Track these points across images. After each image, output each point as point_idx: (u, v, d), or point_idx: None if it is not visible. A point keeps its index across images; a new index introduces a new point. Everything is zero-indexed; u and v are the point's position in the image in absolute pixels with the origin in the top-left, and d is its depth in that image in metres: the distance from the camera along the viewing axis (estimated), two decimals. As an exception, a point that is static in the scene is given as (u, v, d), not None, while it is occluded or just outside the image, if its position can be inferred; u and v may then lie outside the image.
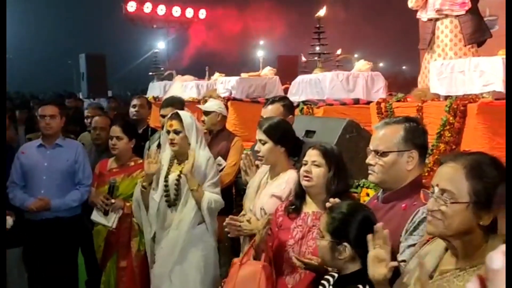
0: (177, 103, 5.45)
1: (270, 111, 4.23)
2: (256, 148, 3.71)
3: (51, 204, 4.89)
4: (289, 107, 4.33)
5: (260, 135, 3.67)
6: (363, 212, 2.59)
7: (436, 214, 1.89)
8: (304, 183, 3.18)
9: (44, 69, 23.83)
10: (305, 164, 3.18)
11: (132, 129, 5.15)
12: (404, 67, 29.45)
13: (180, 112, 4.37)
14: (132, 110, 6.33)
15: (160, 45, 18.61)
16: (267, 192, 3.66)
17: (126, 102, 11.97)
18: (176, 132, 4.24)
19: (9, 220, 4.66)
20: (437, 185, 1.91)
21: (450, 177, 1.88)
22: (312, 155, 3.17)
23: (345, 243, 2.49)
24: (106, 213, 4.78)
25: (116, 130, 4.93)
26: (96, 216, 4.84)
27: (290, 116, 4.25)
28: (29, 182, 5.00)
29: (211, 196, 4.17)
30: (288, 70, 11.49)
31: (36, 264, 5.09)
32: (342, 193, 3.07)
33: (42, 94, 20.98)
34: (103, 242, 4.87)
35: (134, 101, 6.43)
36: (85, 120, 6.30)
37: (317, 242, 2.65)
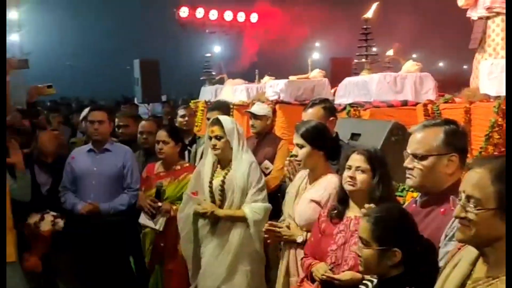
0: (224, 107, 5.50)
1: (311, 114, 4.20)
2: (293, 152, 3.69)
3: (100, 208, 5.01)
4: (330, 109, 4.26)
5: (297, 139, 3.65)
6: (403, 213, 2.56)
7: (464, 221, 1.83)
8: (348, 187, 3.14)
9: (102, 75, 24.46)
10: (349, 169, 3.14)
11: (178, 134, 5.22)
12: (465, 67, 28.58)
13: (221, 117, 4.42)
14: (180, 119, 6.42)
15: (215, 49, 18.78)
16: (306, 197, 3.64)
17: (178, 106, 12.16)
18: (218, 138, 4.29)
19: (60, 223, 4.81)
20: (464, 192, 1.85)
21: (476, 183, 1.82)
22: (356, 160, 3.12)
23: (395, 248, 2.44)
24: (153, 216, 4.86)
25: (162, 135, 5.01)
26: (143, 219, 4.92)
27: (332, 118, 4.19)
28: (79, 187, 5.14)
29: (253, 207, 4.18)
30: (341, 72, 11.34)
31: (88, 267, 5.22)
32: (386, 197, 3.03)
33: (103, 100, 21.55)
34: (151, 245, 4.96)
35: (181, 111, 6.53)
36: (116, 130, 6.13)
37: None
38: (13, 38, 18.92)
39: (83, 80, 24.78)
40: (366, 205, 2.78)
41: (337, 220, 3.21)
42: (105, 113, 5.23)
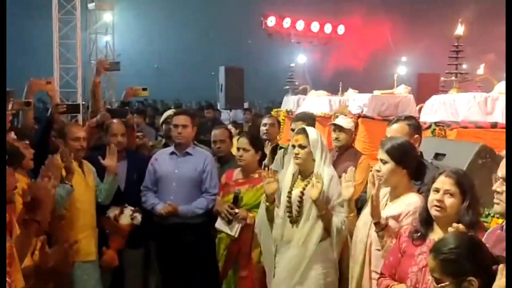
0: (308, 118, 5.47)
1: (395, 130, 4.11)
2: (376, 167, 3.61)
3: (179, 210, 5.11)
4: (415, 126, 4.16)
5: (381, 154, 3.58)
6: (466, 238, 2.47)
7: None
8: (434, 213, 3.03)
9: (187, 79, 25.01)
10: (437, 192, 3.03)
11: (259, 142, 5.24)
12: None
13: (307, 127, 4.40)
14: (263, 128, 6.45)
15: (300, 59, 18.84)
16: (384, 214, 3.56)
17: (260, 114, 12.24)
18: (301, 147, 4.27)
19: (138, 217, 4.96)
20: None
21: None
22: (445, 183, 3.01)
23: (471, 277, 2.35)
24: (229, 222, 4.90)
25: (243, 142, 5.03)
26: (220, 224, 4.97)
27: (416, 136, 4.09)
28: (160, 188, 5.28)
29: (340, 218, 4.12)
30: (428, 88, 11.07)
31: (166, 266, 5.35)
32: (476, 223, 2.91)
33: (188, 104, 22.05)
34: (225, 251, 4.99)
35: (265, 120, 6.57)
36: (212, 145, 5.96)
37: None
38: (106, 40, 19.71)
39: (169, 83, 25.42)
40: (454, 225, 2.68)
41: (419, 242, 3.11)
42: (188, 118, 5.33)
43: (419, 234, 3.12)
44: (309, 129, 4.37)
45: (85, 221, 4.83)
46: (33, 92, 5.38)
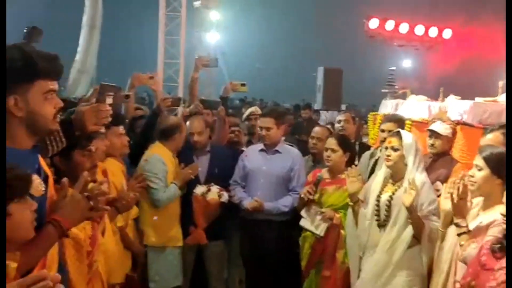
0: (399, 120, 5.37)
1: (489, 140, 4.00)
2: (470, 173, 3.49)
3: (265, 206, 5.16)
4: None
5: (478, 160, 3.49)
6: None
7: None
8: None
9: (286, 79, 25.18)
10: None
11: (348, 143, 5.19)
12: None
13: (402, 131, 4.32)
14: (337, 125, 6.41)
15: (404, 63, 18.41)
16: (475, 223, 3.43)
17: (359, 116, 12.10)
18: (394, 149, 4.19)
19: (225, 195, 5.13)
20: None
21: None
22: None
23: None
24: (314, 221, 4.89)
25: (331, 143, 5.01)
26: (305, 222, 4.97)
27: None
28: (248, 183, 5.36)
29: (434, 227, 4.00)
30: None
31: (248, 260, 5.47)
32: None
33: (285, 103, 22.24)
34: (310, 249, 4.98)
35: (339, 117, 6.59)
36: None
37: None
38: (210, 37, 20.17)
39: (268, 82, 25.73)
40: None
41: (500, 255, 2.95)
42: (273, 119, 5.35)
43: (500, 246, 2.96)
44: (404, 133, 4.31)
45: (174, 210, 5.06)
46: (134, 85, 5.65)
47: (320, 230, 4.87)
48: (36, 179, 2.14)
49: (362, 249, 4.38)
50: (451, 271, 3.56)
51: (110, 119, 2.83)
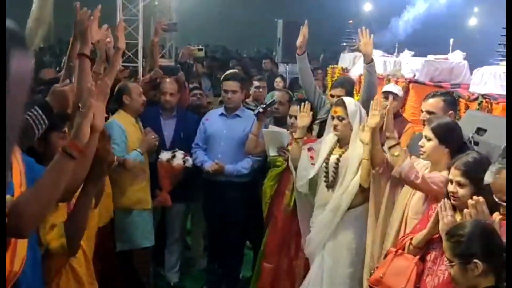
0: (347, 84, 5.47)
1: (429, 104, 4.20)
2: (420, 143, 3.73)
3: (225, 169, 5.38)
4: (451, 102, 4.28)
5: (426, 131, 3.70)
6: (481, 225, 2.63)
7: None
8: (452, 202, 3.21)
9: (248, 28, 24.93)
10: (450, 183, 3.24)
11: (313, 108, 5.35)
12: None
13: (346, 98, 4.50)
14: (255, 90, 6.59)
15: (364, 8, 18.07)
16: None
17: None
18: (340, 119, 4.39)
19: (190, 160, 5.36)
20: None
21: None
22: (455, 175, 3.19)
23: (475, 260, 2.52)
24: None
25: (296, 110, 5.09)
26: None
27: (450, 112, 4.19)
28: (209, 146, 5.54)
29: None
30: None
31: (211, 216, 5.73)
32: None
33: (246, 50, 22.16)
34: (270, 199, 5.19)
35: (256, 83, 6.66)
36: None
37: (450, 272, 2.70)
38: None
39: (231, 30, 25.45)
40: (475, 197, 2.85)
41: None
42: (238, 83, 5.52)
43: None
44: (348, 101, 4.46)
45: (141, 174, 5.20)
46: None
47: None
48: None
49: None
50: (401, 229, 3.80)
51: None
